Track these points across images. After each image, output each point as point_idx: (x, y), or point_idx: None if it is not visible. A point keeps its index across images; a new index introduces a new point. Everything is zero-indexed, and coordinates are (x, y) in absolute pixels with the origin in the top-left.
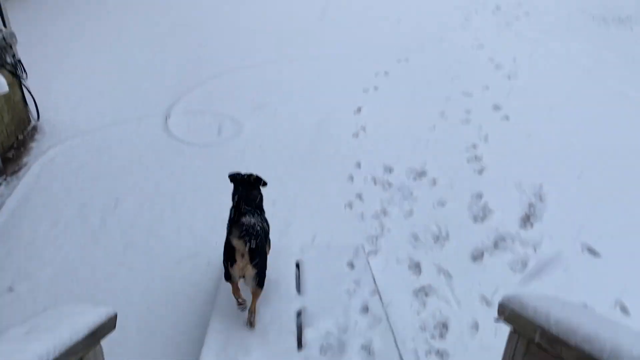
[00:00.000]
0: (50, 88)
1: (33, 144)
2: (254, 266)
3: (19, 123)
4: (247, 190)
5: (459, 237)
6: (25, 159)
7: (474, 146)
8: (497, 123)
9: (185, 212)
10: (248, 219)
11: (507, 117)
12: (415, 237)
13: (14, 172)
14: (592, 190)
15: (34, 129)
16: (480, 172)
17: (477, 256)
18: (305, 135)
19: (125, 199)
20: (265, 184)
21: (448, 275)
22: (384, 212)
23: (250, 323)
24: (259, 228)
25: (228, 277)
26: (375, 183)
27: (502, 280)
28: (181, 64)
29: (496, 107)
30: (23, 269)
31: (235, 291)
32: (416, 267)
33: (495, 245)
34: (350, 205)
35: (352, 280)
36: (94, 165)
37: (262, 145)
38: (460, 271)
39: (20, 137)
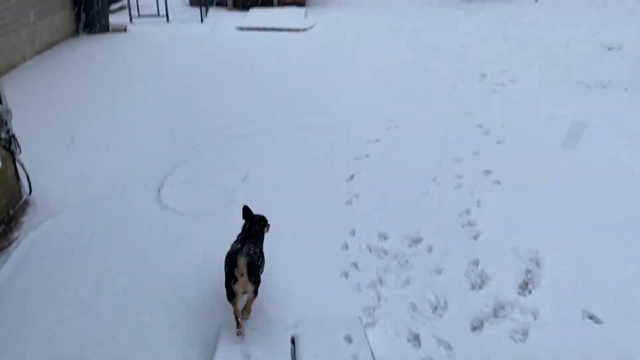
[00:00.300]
0: (43, 161)
1: (24, 218)
2: (252, 282)
3: (11, 198)
4: (252, 226)
5: (457, 305)
6: (16, 234)
7: (468, 211)
8: (489, 188)
9: (181, 287)
10: (247, 247)
11: (498, 182)
12: (413, 307)
13: (4, 248)
14: (590, 254)
15: (26, 202)
16: (476, 237)
17: (477, 326)
18: (298, 204)
19: (119, 274)
20: (268, 226)
21: (448, 347)
22: (380, 281)
23: (240, 332)
24: (252, 252)
25: (231, 296)
26: (370, 251)
27: (502, 352)
28: (174, 135)
29: (487, 172)
30: (9, 348)
31: (237, 310)
32: (415, 339)
33: (495, 313)
34: (346, 274)
35: (350, 355)
36: (85, 239)
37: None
38: (461, 342)
39: (12, 211)
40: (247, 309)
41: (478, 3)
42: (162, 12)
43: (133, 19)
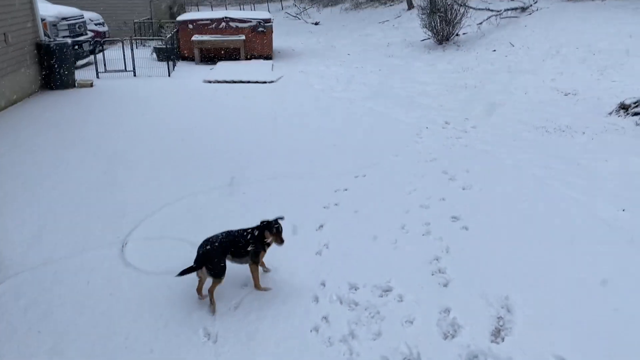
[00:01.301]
0: (1, 222)
1: None
2: (207, 269)
3: None
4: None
5: (430, 357)
6: None
7: (437, 259)
8: (457, 234)
9: (140, 347)
10: (216, 236)
11: (466, 228)
12: None
13: None
14: (559, 297)
15: None
16: (446, 285)
17: None
18: (267, 256)
19: (77, 339)
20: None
21: None
22: (352, 335)
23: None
24: (217, 244)
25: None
26: (341, 303)
27: None
28: (139, 189)
29: (454, 218)
30: None
31: (198, 288)
32: None
33: None
34: (316, 329)
35: None
36: (43, 302)
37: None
38: None
39: None
40: (209, 291)
41: (439, 53)
42: (129, 67)
43: (100, 74)
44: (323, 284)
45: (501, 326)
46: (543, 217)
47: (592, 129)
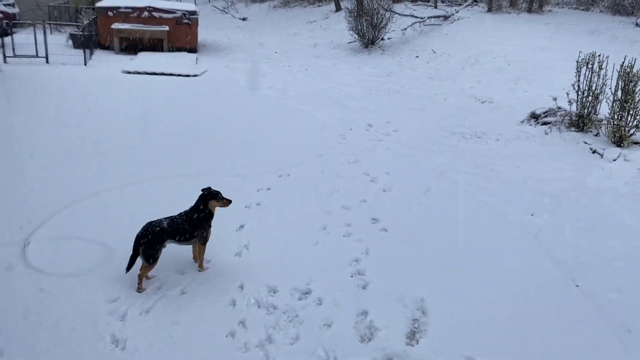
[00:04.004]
0: None
1: None
2: (141, 253)
3: None
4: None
5: None
6: None
7: (357, 260)
8: (377, 235)
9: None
10: (159, 221)
11: (385, 230)
12: None
13: None
14: (471, 299)
15: None
16: (364, 287)
17: None
18: (182, 257)
19: None
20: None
21: None
22: (269, 340)
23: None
24: (158, 228)
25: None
26: (259, 306)
27: None
28: (46, 183)
29: (374, 220)
30: None
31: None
32: None
33: None
34: (232, 334)
35: None
36: None
37: (135, 271)
38: None
39: None
40: (138, 276)
41: (365, 56)
42: (42, 52)
43: (7, 59)
44: (241, 287)
45: (416, 328)
46: (458, 220)
47: (505, 136)
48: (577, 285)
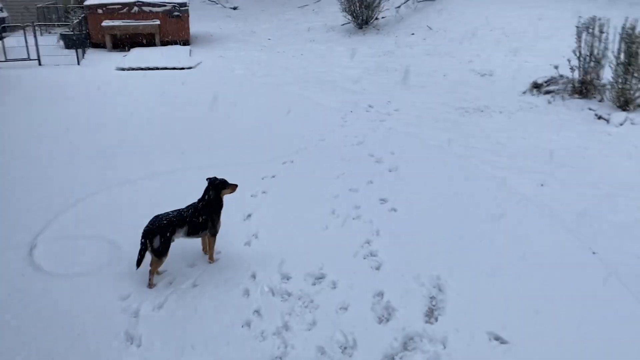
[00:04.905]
0: None
1: None
2: (151, 248)
3: None
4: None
5: (366, 343)
6: None
7: (368, 242)
8: (386, 216)
9: None
10: (166, 214)
11: (394, 210)
12: (322, 351)
13: None
14: (489, 274)
15: None
16: (378, 268)
17: None
18: (192, 249)
19: None
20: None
21: None
22: (286, 327)
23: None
24: (165, 221)
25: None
26: (273, 294)
27: None
28: (49, 182)
29: (383, 200)
30: None
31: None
32: None
33: (405, 346)
34: (248, 324)
35: None
36: None
37: (145, 268)
38: None
39: None
40: (149, 271)
41: (360, 37)
42: (33, 55)
43: None
44: (254, 276)
45: (434, 306)
46: (467, 195)
47: (508, 108)
48: (593, 253)
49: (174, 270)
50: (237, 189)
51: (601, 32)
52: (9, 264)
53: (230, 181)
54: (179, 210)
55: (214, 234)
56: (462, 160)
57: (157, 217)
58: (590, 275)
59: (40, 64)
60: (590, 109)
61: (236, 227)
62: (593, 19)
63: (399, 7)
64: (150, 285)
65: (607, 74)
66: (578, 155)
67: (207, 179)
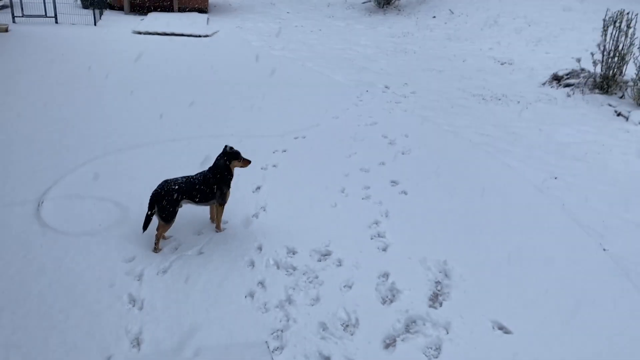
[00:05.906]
0: None
1: None
2: (157, 211)
3: None
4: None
5: (369, 322)
6: None
7: (377, 223)
8: (396, 198)
9: (56, 314)
10: (174, 179)
11: (405, 192)
12: (324, 327)
13: None
14: (494, 263)
15: None
16: (385, 249)
17: (389, 343)
18: (199, 217)
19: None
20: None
21: None
22: (289, 300)
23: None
24: (175, 187)
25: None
26: (278, 267)
27: None
28: (60, 141)
29: (393, 183)
30: None
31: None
32: None
33: (407, 328)
34: (251, 295)
35: None
36: None
37: (151, 231)
38: None
39: None
40: (155, 236)
41: (380, 17)
42: (50, 12)
43: (16, 19)
44: (260, 248)
45: (439, 291)
46: (478, 182)
47: (526, 98)
48: (604, 249)
49: (180, 237)
50: (250, 165)
51: (628, 27)
52: (16, 219)
53: (244, 156)
54: (188, 176)
55: (222, 203)
56: (476, 147)
57: (166, 181)
58: (599, 272)
59: (56, 22)
60: (610, 105)
61: (245, 199)
62: (621, 13)
63: None
64: (156, 249)
65: (630, 71)
66: (594, 150)
67: (224, 147)
